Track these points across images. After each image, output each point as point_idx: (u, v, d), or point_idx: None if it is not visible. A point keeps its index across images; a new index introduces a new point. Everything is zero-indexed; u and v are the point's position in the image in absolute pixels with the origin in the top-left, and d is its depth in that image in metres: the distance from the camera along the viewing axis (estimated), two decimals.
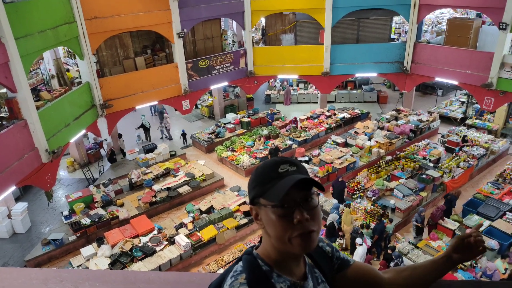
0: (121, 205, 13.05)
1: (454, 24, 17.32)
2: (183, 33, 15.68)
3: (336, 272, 1.39)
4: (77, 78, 17.29)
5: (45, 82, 15.58)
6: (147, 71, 15.63)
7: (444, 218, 11.51)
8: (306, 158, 15.10)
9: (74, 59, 21.06)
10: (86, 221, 11.87)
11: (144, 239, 11.11)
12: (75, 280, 1.35)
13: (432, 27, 27.01)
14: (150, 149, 16.27)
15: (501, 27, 14.06)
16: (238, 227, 11.92)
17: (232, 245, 11.65)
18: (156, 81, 15.77)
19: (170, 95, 16.38)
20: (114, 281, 1.35)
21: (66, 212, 12.44)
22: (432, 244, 10.72)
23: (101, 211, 12.45)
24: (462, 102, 20.13)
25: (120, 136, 17.14)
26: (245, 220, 12.05)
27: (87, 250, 10.79)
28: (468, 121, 18.12)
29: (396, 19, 24.01)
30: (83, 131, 13.70)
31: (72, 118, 12.68)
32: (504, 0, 13.71)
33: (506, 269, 9.57)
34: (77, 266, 10.23)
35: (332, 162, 14.47)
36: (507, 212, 11.29)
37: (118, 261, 10.33)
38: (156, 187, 13.80)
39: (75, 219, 12.13)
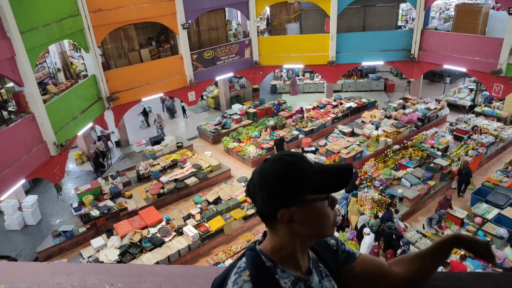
0: (130, 197, 13.17)
1: (462, 10, 16.99)
2: (188, 24, 15.60)
3: (341, 265, 1.38)
4: (82, 71, 17.36)
5: (52, 75, 15.66)
6: (152, 63, 15.62)
7: (453, 207, 11.46)
8: (313, 148, 15.07)
9: (80, 52, 21.11)
10: (95, 213, 12.02)
11: (153, 230, 11.23)
12: (82, 273, 1.37)
13: (440, 14, 26.55)
14: (157, 141, 16.34)
15: (510, 12, 13.77)
16: (246, 218, 11.98)
17: (240, 236, 11.73)
18: (162, 73, 15.77)
19: (176, 86, 16.38)
20: (121, 274, 1.36)
21: (75, 204, 12.60)
22: (441, 233, 10.69)
23: (109, 203, 12.58)
24: (471, 90, 19.86)
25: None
26: (252, 211, 12.10)
27: (97, 242, 10.94)
28: (477, 109, 17.90)
29: (403, 6, 23.65)
30: (90, 124, 13.80)
31: (79, 111, 12.76)
32: None
33: None
34: (88, 257, 10.39)
35: (339, 152, 14.42)
36: None
37: (128, 252, 10.46)
38: (163, 178, 13.89)
39: (84, 211, 12.29)
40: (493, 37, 15.26)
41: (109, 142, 17.51)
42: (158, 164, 14.77)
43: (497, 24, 15.85)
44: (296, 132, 16.52)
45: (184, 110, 20.64)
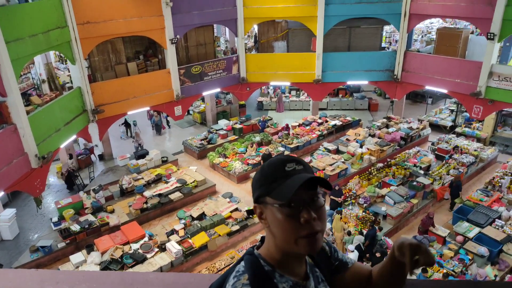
0: (112, 212, 12.90)
1: (443, 34, 17.65)
2: (176, 39, 15.70)
3: (334, 272, 1.39)
4: (68, 83, 17.18)
5: (36, 86, 15.41)
6: (139, 77, 15.58)
7: (435, 225, 11.60)
8: None
9: (66, 63, 20.93)
10: (75, 227, 11.70)
11: (135, 246, 10.99)
12: (72, 281, 1.33)
13: (422, 37, 27.45)
14: (141, 155, 16.15)
15: (489, 37, 14.35)
16: (230, 234, 11.86)
17: (224, 252, 11.57)
18: (148, 86, 15.72)
19: (162, 101, 16.34)
20: (112, 282, 1.33)
21: (55, 219, 12.25)
22: None
23: (91, 217, 12.29)
24: (452, 111, 20.41)
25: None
26: (237, 227, 12.01)
27: (76, 257, 10.62)
28: (458, 129, 18.37)
29: (386, 28, 24.34)
30: (73, 137, 13.58)
31: (63, 123, 12.55)
32: (492, 11, 14.02)
33: (496, 276, 9.65)
34: None
35: (324, 169, 14.52)
36: (496, 219, 11.42)
37: (108, 268, 10.17)
38: (147, 193, 13.69)
39: (64, 225, 11.96)
40: (472, 61, 15.82)
41: (92, 156, 17.24)
42: (142, 178, 14.56)
43: (476, 48, 16.49)
44: (282, 149, 16.59)
45: (167, 121, 20.75)
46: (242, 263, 1.23)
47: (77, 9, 12.77)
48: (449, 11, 15.79)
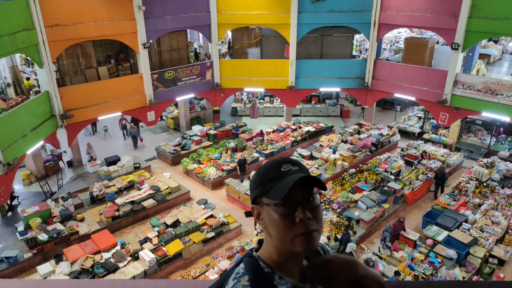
0: (82, 220, 12.47)
1: (410, 43, 18.30)
2: (149, 43, 15.48)
3: None
4: (34, 86, 16.55)
5: (1, 90, 14.75)
6: (110, 81, 15.23)
7: (406, 229, 11.92)
8: None
9: (32, 67, 20.17)
10: (43, 237, 11.21)
11: (106, 255, 10.64)
12: None
13: (391, 46, 28.39)
14: (112, 161, 15.74)
15: (453, 47, 15.02)
16: (205, 241, 11.72)
17: (199, 260, 11.41)
18: (120, 91, 15.39)
19: (135, 106, 16.03)
20: None
21: (21, 228, 11.68)
22: (395, 254, 11.04)
23: (59, 226, 11.82)
24: (419, 118, 21.15)
25: None
26: (212, 234, 11.88)
27: (44, 268, 10.16)
28: (425, 136, 19.04)
29: (357, 36, 25.03)
30: (41, 142, 13.06)
31: (30, 128, 12.06)
32: (456, 22, 14.70)
33: (464, 277, 10.00)
34: None
35: None
36: (463, 223, 11.88)
37: (78, 279, 9.79)
38: (119, 200, 13.33)
39: (31, 235, 11.43)
40: (438, 69, 16.49)
41: (60, 162, 16.63)
42: (114, 185, 14.18)
43: (441, 58, 17.20)
44: (256, 155, 16.62)
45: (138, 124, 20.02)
46: (241, 265, 1.24)
47: (45, 11, 12.37)
48: (416, 21, 16.42)
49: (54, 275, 9.90)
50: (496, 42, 28.89)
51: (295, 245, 1.16)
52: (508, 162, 15.89)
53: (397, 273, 9.79)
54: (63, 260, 10.45)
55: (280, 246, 1.20)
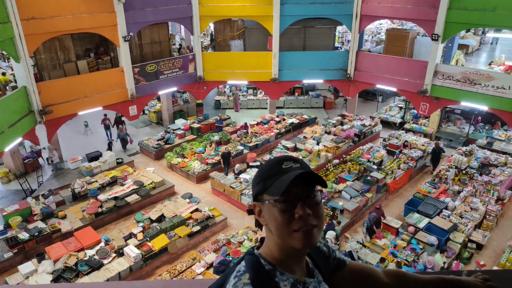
0: (64, 217, 12.26)
1: (392, 35, 18.52)
2: (129, 36, 15.20)
3: (333, 272, 1.42)
4: (11, 82, 16.09)
5: None
6: (90, 75, 14.92)
7: (385, 216, 12.15)
8: (258, 163, 15.22)
9: (8, 61, 19.57)
10: (24, 235, 10.98)
11: (90, 252, 10.52)
12: None
13: (372, 37, 28.63)
14: (94, 157, 15.48)
15: (433, 38, 15.25)
16: (191, 235, 11.70)
17: (185, 254, 11.39)
18: (101, 85, 15.10)
19: (116, 100, 15.76)
20: None
21: (0, 227, 11.42)
22: (378, 242, 11.26)
23: (41, 224, 11.59)
24: (400, 108, 21.47)
25: None
26: (197, 228, 11.87)
27: (25, 267, 9.97)
28: (406, 126, 19.36)
29: (339, 28, 25.12)
30: (19, 139, 12.73)
31: (7, 125, 11.74)
32: (435, 14, 14.91)
33: (444, 263, 10.29)
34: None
35: None
36: (443, 210, 12.19)
37: (62, 277, 9.67)
38: (102, 196, 13.15)
39: (11, 234, 11.18)
40: (419, 60, 16.74)
41: (40, 159, 16.26)
42: (96, 181, 13.97)
43: (422, 49, 17.45)
44: (241, 147, 16.61)
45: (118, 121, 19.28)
46: (243, 263, 1.24)
47: (20, 4, 11.96)
48: (397, 13, 16.59)
49: (36, 275, 9.73)
50: (483, 33, 29.45)
51: (294, 241, 1.17)
52: (486, 150, 16.32)
53: (382, 260, 10.00)
54: (46, 258, 10.27)
55: (281, 243, 1.21)
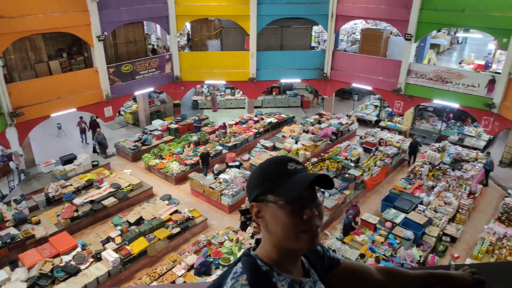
0: (37, 223, 11.87)
1: (366, 34, 18.86)
2: (104, 36, 14.87)
3: (327, 271, 1.43)
4: None
5: None
6: (63, 76, 14.52)
7: (360, 212, 12.38)
8: (237, 163, 15.21)
9: None
10: None
11: (67, 258, 10.23)
12: None
13: (348, 37, 29.06)
14: (68, 159, 15.06)
15: (406, 37, 15.64)
16: (171, 237, 11.56)
17: (165, 256, 11.25)
18: (74, 86, 14.71)
19: (90, 101, 15.39)
20: None
21: None
22: (357, 238, 11.46)
23: (13, 230, 11.19)
24: (376, 106, 21.90)
25: None
26: (177, 229, 11.74)
27: None
28: (382, 123, 19.78)
29: (315, 28, 25.38)
30: None
31: None
32: (408, 14, 15.30)
33: (421, 256, 10.58)
34: None
35: None
36: (418, 205, 12.52)
37: (37, 284, 9.38)
38: (77, 200, 12.81)
39: None
40: (393, 59, 17.13)
41: (11, 163, 15.67)
42: (71, 185, 13.60)
43: (395, 48, 17.86)
44: (219, 148, 16.54)
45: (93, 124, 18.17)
46: (239, 264, 1.24)
47: None
48: (371, 13, 16.93)
49: (9, 283, 9.39)
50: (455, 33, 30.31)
51: (300, 242, 1.18)
52: (458, 146, 16.88)
53: (362, 255, 10.18)
54: (19, 266, 9.93)
55: (282, 244, 1.20)
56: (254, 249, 1.31)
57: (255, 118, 19.34)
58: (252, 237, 11.31)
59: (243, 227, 11.65)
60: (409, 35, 15.51)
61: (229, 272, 1.23)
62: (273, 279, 1.20)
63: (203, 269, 10.07)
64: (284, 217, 1.17)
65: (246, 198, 12.61)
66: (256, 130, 18.19)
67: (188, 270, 10.23)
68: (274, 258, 1.24)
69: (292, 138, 17.19)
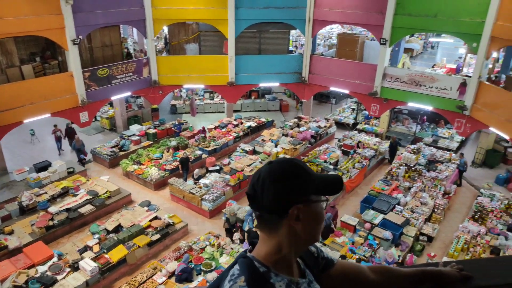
0: (11, 233, 11.45)
1: (343, 39, 19.21)
2: (78, 39, 14.55)
3: (322, 271, 1.45)
4: None
5: None
6: (36, 81, 14.12)
7: (338, 216, 12.53)
8: (217, 168, 15.13)
9: None
10: None
11: (42, 268, 9.90)
12: None
13: (324, 41, 29.50)
14: (42, 167, 14.60)
15: (381, 42, 16.02)
16: (151, 244, 11.37)
17: (145, 264, 11.05)
18: (48, 91, 14.32)
19: (65, 106, 15.02)
20: None
21: None
22: (337, 240, 11.60)
23: None
24: (353, 109, 22.29)
25: None
26: (157, 236, 11.56)
27: None
28: (359, 126, 20.13)
29: (293, 32, 25.63)
30: None
31: None
32: (383, 19, 15.69)
33: (399, 256, 10.80)
34: None
35: (242, 170, 14.74)
36: (396, 206, 12.79)
37: None
38: (52, 209, 12.44)
39: None
40: (369, 63, 17.50)
41: None
42: (46, 193, 13.20)
43: (371, 52, 18.25)
44: (199, 152, 16.43)
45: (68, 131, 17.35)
46: (236, 266, 1.24)
47: None
48: (347, 18, 17.27)
49: None
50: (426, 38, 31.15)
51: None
52: (432, 147, 17.36)
53: (343, 257, 10.29)
54: None
55: (309, 243, 1.33)
56: (250, 251, 1.31)
57: (235, 122, 19.32)
58: (241, 242, 11.27)
59: (230, 235, 11.60)
60: (384, 40, 15.89)
61: (226, 274, 1.23)
62: (271, 280, 1.21)
63: (184, 276, 9.95)
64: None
65: (227, 203, 12.62)
66: (235, 134, 18.17)
67: (169, 277, 10.08)
68: (272, 259, 1.25)
69: (271, 141, 17.26)
